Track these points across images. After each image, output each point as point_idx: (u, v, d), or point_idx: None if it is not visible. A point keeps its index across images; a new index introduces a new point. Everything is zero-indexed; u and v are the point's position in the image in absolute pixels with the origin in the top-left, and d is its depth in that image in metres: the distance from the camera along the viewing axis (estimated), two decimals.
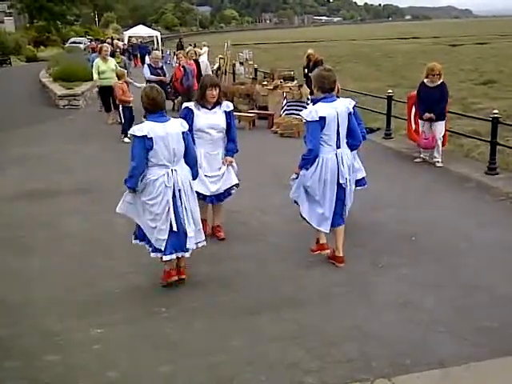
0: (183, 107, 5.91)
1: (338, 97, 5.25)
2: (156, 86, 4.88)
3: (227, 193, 5.93)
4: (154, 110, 4.69)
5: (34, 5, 54.01)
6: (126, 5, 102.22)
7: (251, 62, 18.62)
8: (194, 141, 5.57)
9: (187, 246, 4.85)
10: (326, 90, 5.03)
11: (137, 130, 4.61)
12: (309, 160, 5.05)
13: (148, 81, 12.08)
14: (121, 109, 11.15)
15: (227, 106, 5.78)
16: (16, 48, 42.15)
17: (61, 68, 19.79)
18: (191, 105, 5.76)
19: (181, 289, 4.98)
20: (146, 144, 4.56)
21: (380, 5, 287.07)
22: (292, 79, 14.96)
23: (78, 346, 4.12)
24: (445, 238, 5.94)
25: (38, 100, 18.26)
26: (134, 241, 5.04)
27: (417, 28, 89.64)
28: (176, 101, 13.93)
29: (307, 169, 5.10)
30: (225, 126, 5.75)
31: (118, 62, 14.08)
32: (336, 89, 5.87)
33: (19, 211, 7.23)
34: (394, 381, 3.62)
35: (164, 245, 4.77)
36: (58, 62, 21.79)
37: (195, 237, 4.91)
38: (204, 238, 5.08)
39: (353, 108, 5.23)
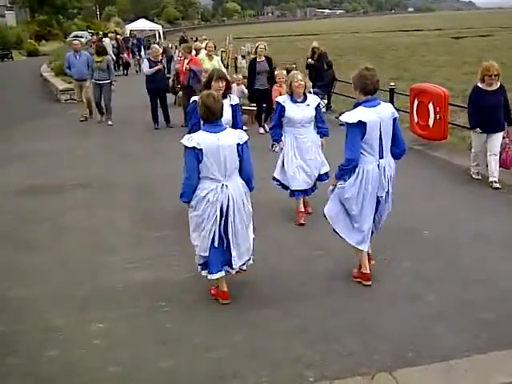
0: (191, 101, 5.97)
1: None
2: (213, 93, 4.56)
3: None
4: (209, 119, 4.38)
5: None
6: None
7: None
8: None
9: (233, 266, 4.60)
10: (369, 91, 4.55)
11: (186, 140, 4.33)
12: (347, 171, 4.60)
13: (147, 76, 11.98)
14: None
15: (233, 99, 5.89)
16: (17, 42, 42.09)
17: (62, 62, 19.70)
18: (198, 98, 5.82)
19: (182, 283, 4.97)
20: (196, 156, 4.29)
21: None
22: None
23: (79, 341, 4.12)
24: (447, 232, 5.92)
25: (40, 94, 18.24)
26: (200, 270, 4.71)
27: (420, 20, 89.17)
28: (177, 96, 13.83)
29: (345, 180, 4.66)
30: (231, 119, 5.82)
31: (100, 61, 12.42)
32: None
33: (21, 206, 7.22)
34: (395, 375, 3.62)
35: (204, 261, 4.58)
36: (59, 57, 21.72)
37: (240, 257, 4.62)
38: (251, 256, 4.77)
39: None
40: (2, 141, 11.24)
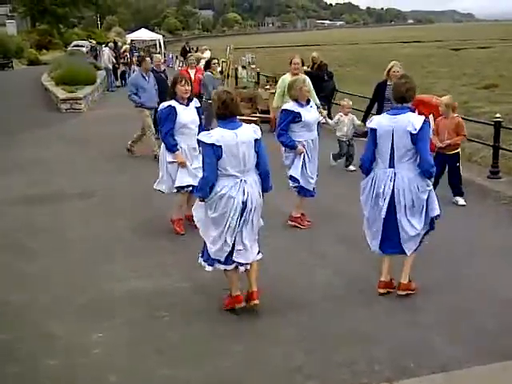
0: (165, 106, 6.10)
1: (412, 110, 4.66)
2: (229, 89, 4.52)
3: None
4: (226, 116, 4.32)
5: (37, 8, 54.08)
6: (128, 8, 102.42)
7: (253, 66, 18.62)
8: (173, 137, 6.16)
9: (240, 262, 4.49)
10: (395, 99, 4.66)
11: (205, 136, 4.29)
12: (362, 171, 4.84)
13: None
14: None
15: (196, 101, 6.30)
16: (18, 51, 42.17)
17: (63, 71, 19.80)
18: (172, 102, 6.09)
19: (182, 292, 4.96)
20: (215, 152, 4.23)
21: (382, 8, 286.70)
22: None
23: (79, 349, 4.11)
24: (447, 242, 5.91)
25: (40, 104, 18.26)
26: (199, 259, 4.66)
27: (419, 32, 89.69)
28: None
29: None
30: (198, 121, 6.28)
31: None
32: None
33: (21, 215, 7.22)
34: None
35: (224, 256, 4.44)
36: (60, 66, 21.80)
37: (248, 252, 4.49)
38: (258, 251, 4.61)
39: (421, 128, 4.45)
40: (1, 150, 11.23)
